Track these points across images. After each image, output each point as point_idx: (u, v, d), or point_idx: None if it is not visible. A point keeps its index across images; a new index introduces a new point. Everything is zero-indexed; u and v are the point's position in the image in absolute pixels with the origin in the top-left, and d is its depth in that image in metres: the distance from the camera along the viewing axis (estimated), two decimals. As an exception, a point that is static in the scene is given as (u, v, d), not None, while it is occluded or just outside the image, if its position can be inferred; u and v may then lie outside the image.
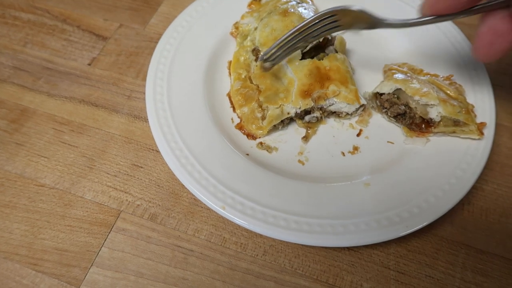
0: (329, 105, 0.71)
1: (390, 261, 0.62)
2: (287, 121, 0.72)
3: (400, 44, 0.82)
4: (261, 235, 0.63)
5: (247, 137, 0.71)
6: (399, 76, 0.72)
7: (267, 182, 0.64)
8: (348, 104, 0.70)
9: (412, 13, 0.80)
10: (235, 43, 0.82)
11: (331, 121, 0.74)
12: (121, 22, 0.90)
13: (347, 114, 0.72)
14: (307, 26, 0.63)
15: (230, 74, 0.79)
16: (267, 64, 0.69)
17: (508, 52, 0.52)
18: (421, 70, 0.75)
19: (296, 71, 0.71)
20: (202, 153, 0.66)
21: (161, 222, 0.65)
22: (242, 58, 0.78)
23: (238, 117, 0.73)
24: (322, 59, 0.72)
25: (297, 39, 0.66)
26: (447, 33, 0.80)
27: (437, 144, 0.69)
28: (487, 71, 0.75)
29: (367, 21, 0.57)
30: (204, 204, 0.62)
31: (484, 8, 0.52)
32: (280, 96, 0.70)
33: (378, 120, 0.74)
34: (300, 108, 0.69)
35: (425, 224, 0.59)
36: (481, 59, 0.55)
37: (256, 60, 0.76)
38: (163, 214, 0.66)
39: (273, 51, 0.67)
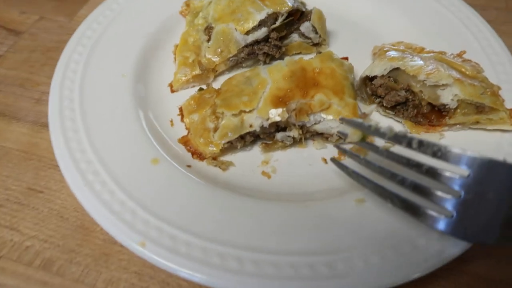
0: (314, 123, 0.50)
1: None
2: (250, 138, 0.51)
3: (393, 22, 0.66)
4: (206, 285, 0.42)
5: (192, 156, 0.51)
6: (394, 53, 0.54)
7: (214, 205, 0.45)
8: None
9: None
10: (183, 25, 0.66)
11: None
12: (41, 15, 0.76)
13: (339, 137, 0.51)
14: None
15: (175, 60, 0.61)
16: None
17: None
18: (422, 49, 0.59)
19: (272, 71, 0.52)
20: (120, 166, 0.47)
21: (58, 271, 0.46)
22: (192, 39, 0.64)
23: (186, 128, 0.54)
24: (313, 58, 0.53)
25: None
26: (447, 5, 0.64)
27: (455, 141, 0.51)
28: (508, 48, 0.58)
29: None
30: (122, 241, 0.42)
31: None
32: (243, 99, 0.50)
33: (371, 115, 0.55)
34: (268, 120, 0.49)
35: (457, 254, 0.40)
36: None
37: (208, 40, 0.62)
38: (63, 259, 0.47)
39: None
